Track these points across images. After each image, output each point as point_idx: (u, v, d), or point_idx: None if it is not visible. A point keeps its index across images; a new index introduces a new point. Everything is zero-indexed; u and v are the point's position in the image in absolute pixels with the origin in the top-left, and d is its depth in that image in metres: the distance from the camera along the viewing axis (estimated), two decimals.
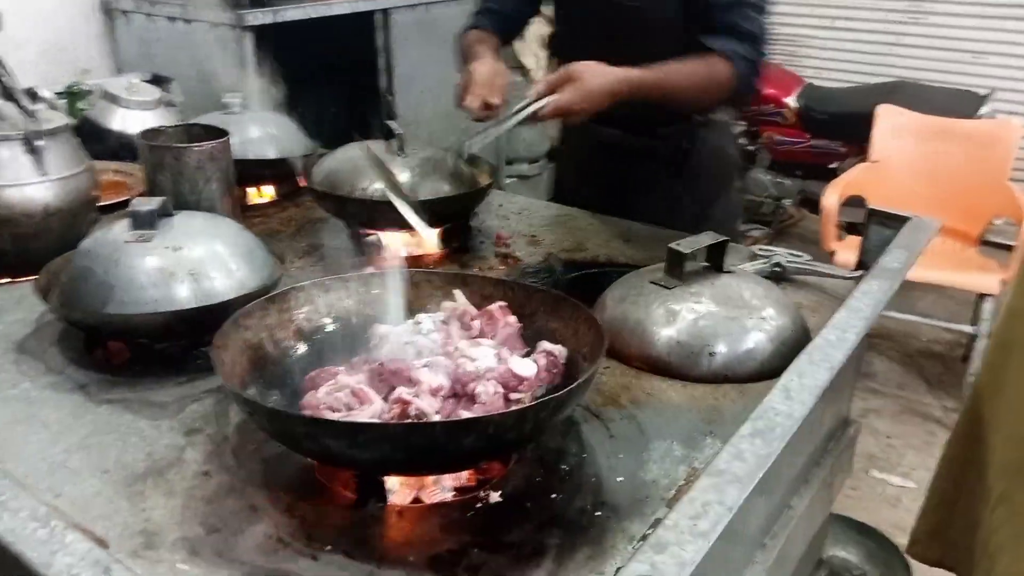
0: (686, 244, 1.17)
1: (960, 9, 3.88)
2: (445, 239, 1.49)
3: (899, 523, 2.35)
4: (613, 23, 1.56)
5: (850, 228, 3.07)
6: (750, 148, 3.94)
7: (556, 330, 0.98)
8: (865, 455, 2.67)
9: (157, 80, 2.39)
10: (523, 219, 1.66)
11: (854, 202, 3.02)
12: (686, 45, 1.47)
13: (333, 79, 2.80)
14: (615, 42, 1.49)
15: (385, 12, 2.79)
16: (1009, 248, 3.09)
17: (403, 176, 1.42)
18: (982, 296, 2.89)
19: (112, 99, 1.92)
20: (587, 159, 1.79)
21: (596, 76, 1.35)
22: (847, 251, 2.80)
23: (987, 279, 2.82)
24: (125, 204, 1.63)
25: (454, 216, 1.49)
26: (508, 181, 4.19)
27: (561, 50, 1.73)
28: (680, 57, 1.45)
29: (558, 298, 1.00)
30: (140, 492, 0.83)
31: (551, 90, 1.34)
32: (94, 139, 1.91)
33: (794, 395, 0.83)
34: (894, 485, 2.56)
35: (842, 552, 2.00)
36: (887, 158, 3.12)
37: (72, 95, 2.01)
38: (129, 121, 1.93)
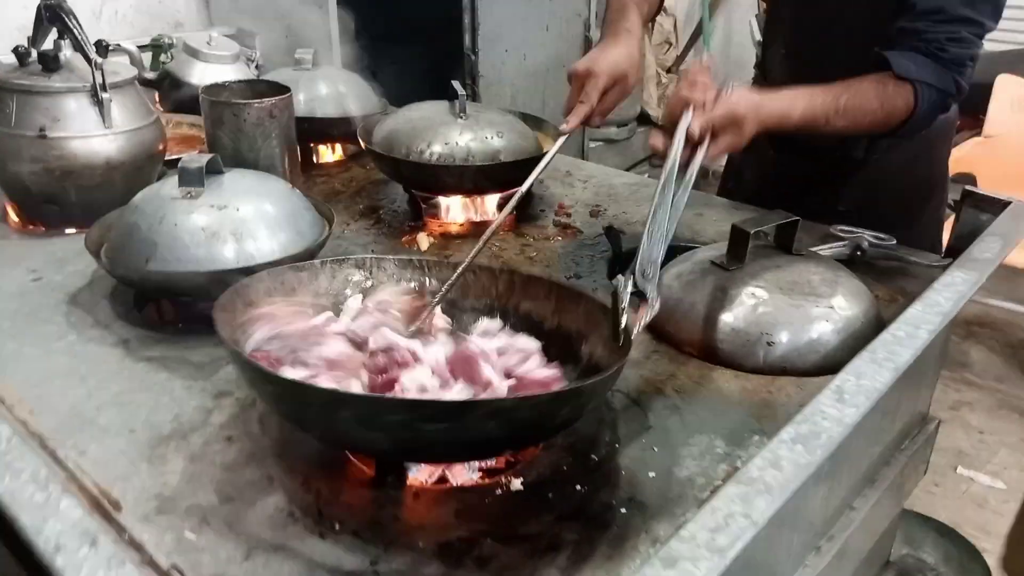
0: (751, 223, 1.09)
1: None
2: (504, 206, 1.44)
3: (984, 525, 2.20)
4: (805, 4, 1.40)
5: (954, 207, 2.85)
6: None
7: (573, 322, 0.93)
8: (953, 450, 2.51)
9: (242, 35, 2.41)
10: (589, 188, 1.59)
11: (965, 180, 2.80)
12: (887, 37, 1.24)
13: (417, 38, 2.77)
14: (809, 25, 1.35)
15: None
16: None
17: (462, 138, 1.37)
18: None
19: (192, 53, 1.94)
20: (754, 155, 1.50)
21: (756, 116, 1.12)
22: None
23: None
24: None
25: (511, 183, 1.44)
26: (593, 145, 4.08)
27: (766, 33, 1.58)
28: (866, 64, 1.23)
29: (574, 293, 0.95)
30: (162, 455, 0.83)
31: (713, 131, 1.08)
32: (174, 91, 1.95)
33: (848, 398, 0.76)
34: (982, 484, 2.40)
35: (917, 552, 1.88)
36: (1003, 134, 2.88)
37: (155, 47, 2.04)
38: (208, 75, 1.94)
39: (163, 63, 1.94)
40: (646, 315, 0.86)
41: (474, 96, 2.90)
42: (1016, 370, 2.92)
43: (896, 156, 1.40)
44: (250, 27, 2.47)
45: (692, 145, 1.05)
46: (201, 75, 1.95)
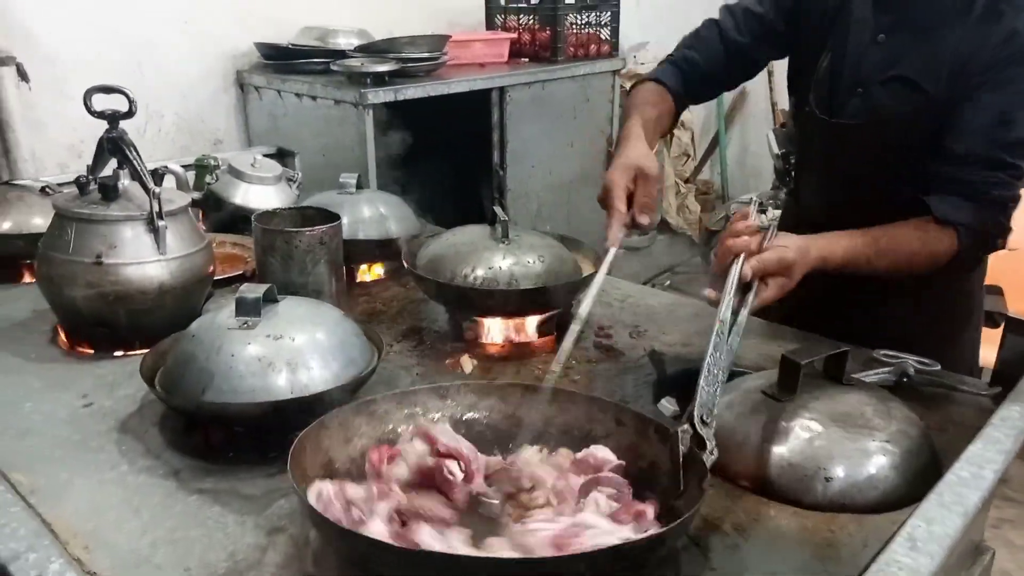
0: (802, 353, 1.09)
1: None
2: (544, 327, 1.46)
3: None
4: (839, 143, 1.45)
5: (988, 318, 2.84)
6: None
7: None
8: (998, 571, 2.42)
9: (282, 153, 2.51)
10: (627, 308, 1.61)
11: (992, 292, 2.80)
12: (920, 175, 1.29)
13: (447, 153, 2.86)
14: (842, 161, 1.40)
15: (502, 90, 2.84)
16: None
17: (504, 262, 1.40)
18: None
19: (237, 174, 2.01)
20: None
21: (804, 260, 1.16)
22: (985, 347, 2.59)
23: None
24: (241, 278, 1.69)
25: (551, 305, 1.46)
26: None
27: (799, 161, 1.63)
28: (909, 199, 1.27)
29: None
30: None
31: (763, 275, 1.13)
32: (216, 210, 2.01)
33: (921, 546, 0.75)
34: None
35: None
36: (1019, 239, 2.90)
37: (200, 168, 2.12)
38: (251, 195, 2.01)
39: (208, 183, 2.01)
40: (707, 462, 0.86)
41: (502, 209, 2.96)
42: None
43: (935, 283, 1.41)
44: (289, 146, 2.58)
45: (743, 289, 1.08)
46: (244, 195, 2.02)
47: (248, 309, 1.10)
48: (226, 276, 1.66)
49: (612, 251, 1.25)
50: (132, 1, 2.65)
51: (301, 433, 0.90)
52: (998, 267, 2.96)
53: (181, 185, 1.99)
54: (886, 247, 1.25)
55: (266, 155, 2.27)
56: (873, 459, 1.00)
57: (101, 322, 1.36)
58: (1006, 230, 1.28)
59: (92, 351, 1.39)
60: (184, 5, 2.76)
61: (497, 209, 1.48)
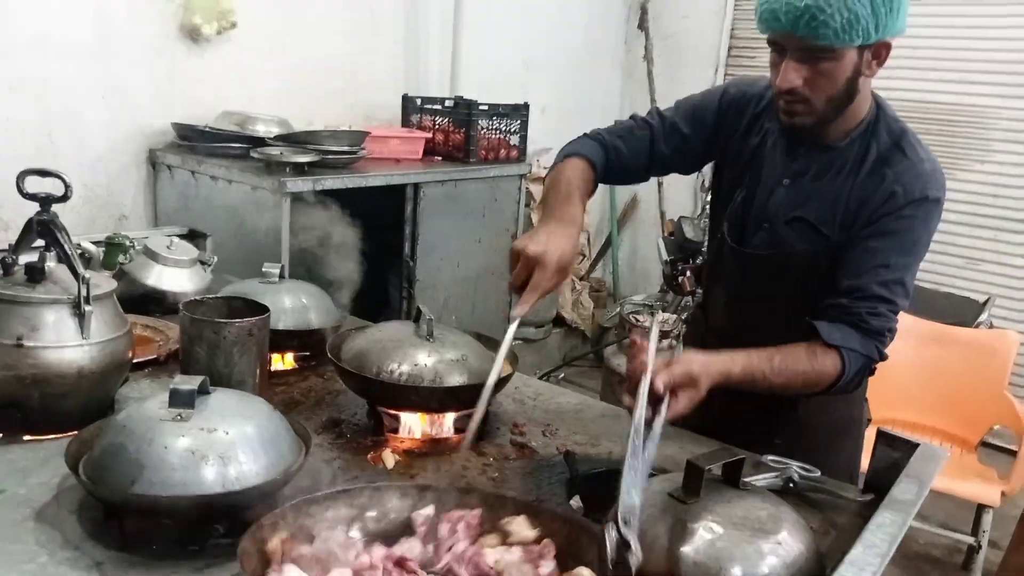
0: (705, 459, 1.20)
1: (954, 217, 4.08)
2: (462, 423, 1.52)
3: None
4: (746, 268, 1.61)
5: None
6: None
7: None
8: None
9: (193, 235, 2.51)
10: (539, 406, 1.69)
11: None
12: (814, 304, 1.45)
13: (358, 243, 2.92)
14: (747, 285, 1.55)
15: (416, 186, 2.95)
16: (1011, 453, 3.10)
17: (430, 359, 1.46)
18: (982, 506, 2.87)
19: (152, 255, 2.01)
20: None
21: (708, 375, 1.29)
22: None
23: (988, 490, 2.82)
24: (154, 362, 1.68)
25: (471, 403, 1.52)
26: (514, 343, 4.27)
27: (709, 276, 1.77)
28: (802, 324, 1.43)
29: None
30: None
31: (672, 388, 1.24)
32: (128, 291, 1.99)
33: None
34: None
35: None
36: (888, 362, 3.19)
37: (112, 246, 2.10)
38: (164, 277, 2.01)
39: (121, 263, 1.99)
40: (632, 563, 0.94)
41: (410, 299, 3.04)
42: None
43: (821, 397, 1.56)
44: (198, 227, 2.57)
45: (654, 402, 1.19)
46: (158, 277, 2.01)
47: (182, 401, 1.12)
48: (139, 360, 1.65)
49: (512, 326, 1.37)
50: (53, 68, 2.64)
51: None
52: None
53: (93, 264, 1.97)
54: (779, 365, 1.40)
55: (177, 235, 2.27)
56: (767, 560, 1.10)
57: (13, 404, 1.33)
58: (884, 356, 1.46)
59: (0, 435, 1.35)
60: (104, 78, 2.76)
61: (422, 307, 1.55)
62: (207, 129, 2.82)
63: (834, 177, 1.51)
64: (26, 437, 1.34)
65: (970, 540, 2.91)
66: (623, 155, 1.64)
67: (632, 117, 1.70)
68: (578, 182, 1.55)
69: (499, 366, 1.34)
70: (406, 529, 1.07)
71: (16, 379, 1.30)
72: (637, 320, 4.06)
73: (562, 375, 4.60)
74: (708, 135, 1.64)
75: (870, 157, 1.48)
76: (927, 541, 3.31)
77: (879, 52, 1.41)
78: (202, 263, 2.10)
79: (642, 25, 4.96)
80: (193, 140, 2.84)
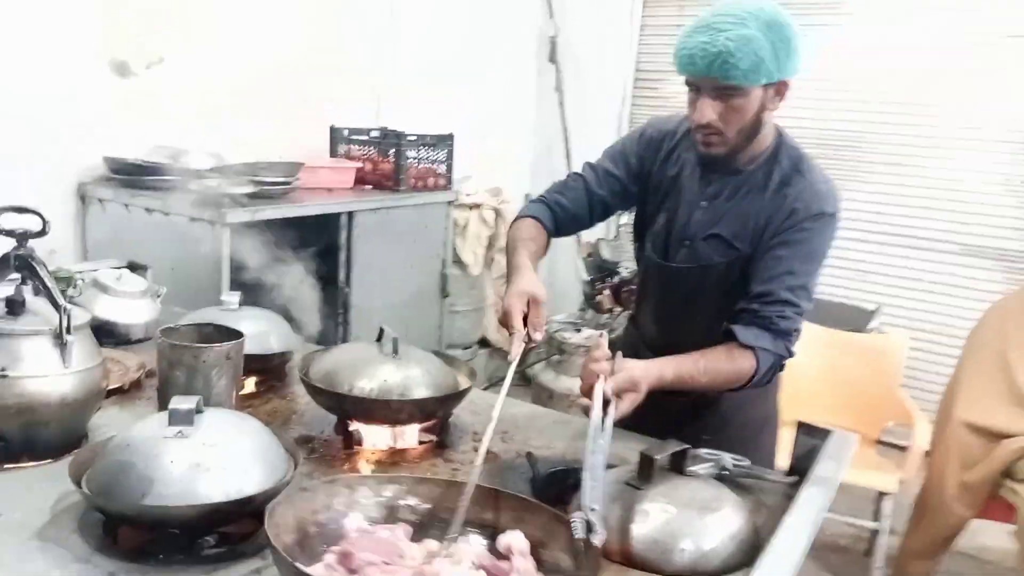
0: (655, 449, 1.36)
1: (846, 232, 4.44)
2: (426, 434, 1.64)
3: None
4: (671, 282, 1.80)
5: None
6: None
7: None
8: None
9: (132, 267, 2.52)
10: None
11: None
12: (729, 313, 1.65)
13: (293, 271, 2.98)
14: (673, 296, 1.74)
15: (350, 214, 3.05)
16: (903, 449, 3.41)
17: (396, 375, 1.58)
18: (882, 494, 3.16)
19: (102, 288, 2.04)
20: None
21: (647, 379, 1.46)
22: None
23: (886, 478, 3.11)
24: (119, 391, 1.73)
25: (435, 414, 1.64)
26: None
27: (639, 294, 1.97)
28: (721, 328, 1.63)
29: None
30: None
31: (617, 392, 1.42)
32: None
33: None
34: None
35: None
36: (795, 366, 3.47)
37: (58, 279, 2.11)
38: (115, 309, 2.05)
39: (70, 297, 2.02)
40: (596, 541, 1.09)
41: (346, 324, 3.12)
42: (823, 570, 3.32)
43: (740, 396, 1.76)
44: (135, 259, 2.59)
45: (603, 404, 1.38)
46: (106, 308, 2.05)
47: (181, 419, 1.20)
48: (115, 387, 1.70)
49: (514, 363, 1.51)
50: None
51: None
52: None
53: None
54: (704, 366, 1.60)
55: (116, 267, 2.30)
56: (713, 533, 1.27)
57: None
58: (792, 353, 1.67)
59: None
60: (32, 111, 2.75)
61: (385, 328, 1.66)
62: (141, 163, 2.84)
63: (744, 197, 1.72)
64: (7, 466, 1.39)
65: (873, 525, 3.18)
66: (566, 207, 1.85)
67: (567, 175, 1.92)
68: (525, 238, 1.76)
69: (503, 397, 1.50)
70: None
71: (1, 409, 1.35)
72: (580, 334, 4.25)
73: (509, 391, 4.71)
74: (635, 172, 1.85)
75: (774, 179, 1.71)
76: (833, 532, 3.58)
77: (780, 89, 1.64)
78: (153, 295, 2.15)
79: (552, 58, 5.20)
80: (125, 174, 2.86)
